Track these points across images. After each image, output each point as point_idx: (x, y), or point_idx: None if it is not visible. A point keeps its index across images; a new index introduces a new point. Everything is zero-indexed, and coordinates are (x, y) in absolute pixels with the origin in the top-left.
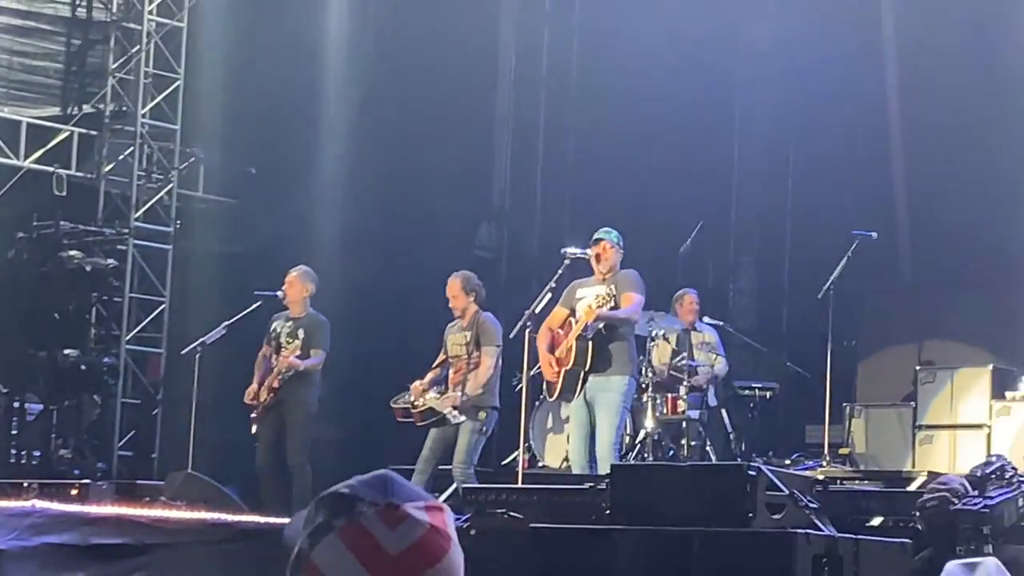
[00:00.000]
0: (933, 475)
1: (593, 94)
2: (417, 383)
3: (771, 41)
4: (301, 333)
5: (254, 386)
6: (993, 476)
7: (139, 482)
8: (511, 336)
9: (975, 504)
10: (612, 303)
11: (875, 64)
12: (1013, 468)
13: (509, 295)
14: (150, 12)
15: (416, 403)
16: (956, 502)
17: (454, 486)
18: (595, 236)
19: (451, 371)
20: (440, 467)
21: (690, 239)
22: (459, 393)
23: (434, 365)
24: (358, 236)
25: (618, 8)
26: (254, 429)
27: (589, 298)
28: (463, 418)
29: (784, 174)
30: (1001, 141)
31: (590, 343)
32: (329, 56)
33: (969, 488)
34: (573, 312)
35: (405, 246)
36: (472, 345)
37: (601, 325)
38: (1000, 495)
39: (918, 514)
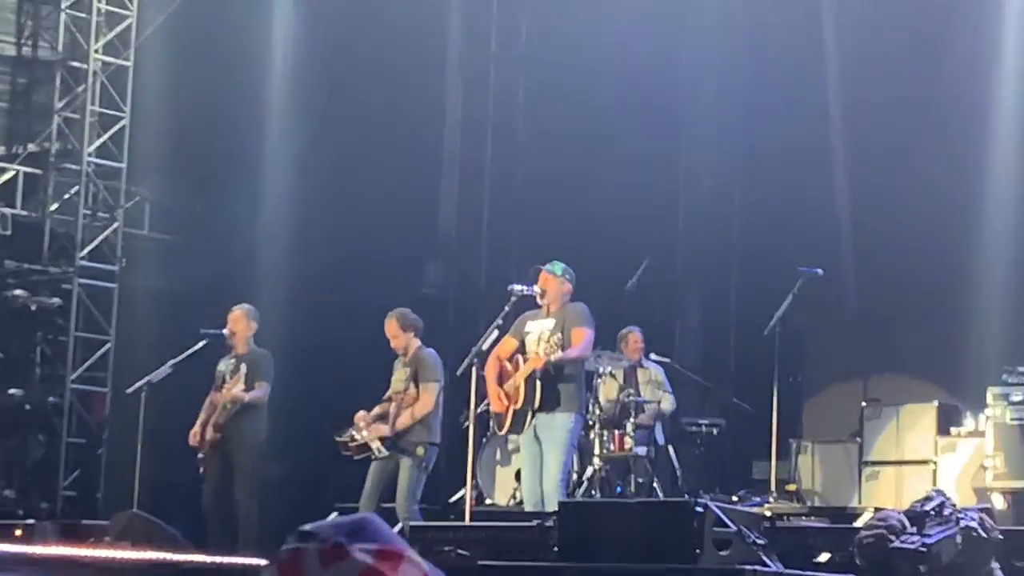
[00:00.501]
0: (879, 511)
1: (539, 132)
2: (362, 413)
3: (716, 81)
4: (244, 368)
5: (197, 427)
6: (932, 512)
7: (84, 522)
8: (458, 373)
9: (913, 542)
10: (559, 339)
11: (819, 101)
12: (952, 505)
13: (457, 333)
14: (96, 51)
15: (356, 436)
16: (894, 539)
17: (400, 524)
18: (533, 268)
19: (392, 406)
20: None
21: (636, 276)
22: (385, 427)
23: (383, 400)
24: (304, 273)
25: (564, 47)
26: (201, 468)
27: (536, 332)
28: (386, 452)
29: (730, 211)
30: (947, 176)
31: (538, 382)
32: (275, 95)
33: (907, 524)
34: (523, 343)
35: (352, 284)
36: (411, 380)
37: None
38: (939, 532)
39: (856, 550)
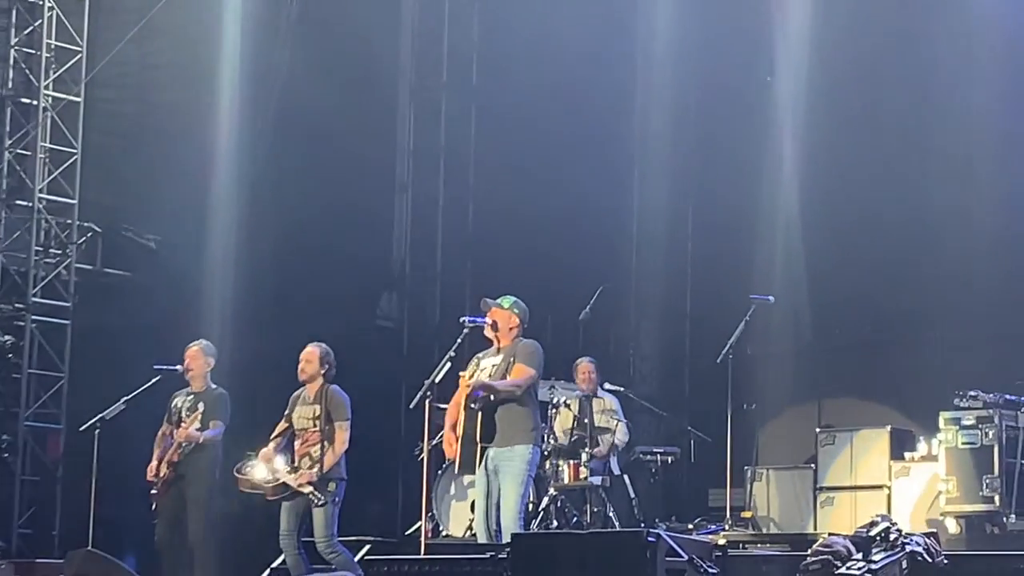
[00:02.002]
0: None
1: (491, 162)
2: (266, 449)
3: (668, 110)
4: (201, 406)
5: (154, 463)
6: (878, 538)
7: (39, 561)
8: (411, 406)
9: (859, 568)
10: (503, 375)
11: (771, 129)
12: (898, 530)
13: (410, 365)
14: (46, 87)
15: (267, 477)
16: (839, 565)
17: (296, 552)
18: (482, 301)
19: (297, 442)
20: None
21: (589, 306)
22: (314, 470)
23: (274, 435)
24: (258, 308)
25: (515, 77)
26: (154, 506)
27: (488, 370)
28: (323, 499)
29: (684, 239)
30: (898, 202)
31: (479, 414)
32: (226, 127)
33: (853, 550)
34: None
35: (306, 317)
36: (323, 419)
37: (491, 396)
38: (884, 558)
39: None
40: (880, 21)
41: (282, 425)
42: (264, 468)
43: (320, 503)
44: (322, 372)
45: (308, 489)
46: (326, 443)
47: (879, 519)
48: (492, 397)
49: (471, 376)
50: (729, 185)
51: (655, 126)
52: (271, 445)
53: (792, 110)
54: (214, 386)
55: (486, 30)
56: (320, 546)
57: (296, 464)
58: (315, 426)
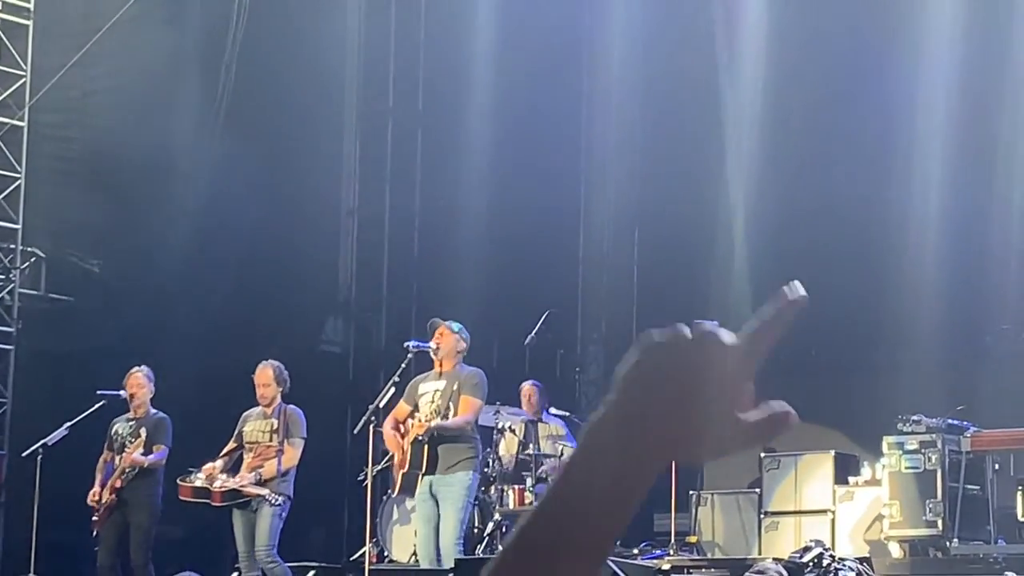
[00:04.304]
0: (781, 561)
1: (438, 185)
2: (210, 464)
3: (614, 135)
4: (143, 432)
5: (96, 488)
6: (811, 563)
7: None
8: (355, 431)
9: None
10: (448, 404)
11: (717, 153)
12: (832, 555)
13: (356, 389)
14: None
15: (215, 484)
16: None
17: (257, 572)
18: (431, 322)
19: (248, 456)
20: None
21: (535, 330)
22: (254, 474)
23: (223, 453)
24: (203, 332)
25: (462, 100)
26: (96, 532)
27: (429, 393)
28: (280, 498)
29: (629, 262)
30: (843, 225)
31: (425, 446)
32: (172, 151)
33: (785, 575)
34: (417, 407)
35: (251, 341)
36: (280, 434)
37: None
38: None
39: None
40: (832, 38)
41: (231, 445)
42: (216, 479)
43: (276, 502)
44: (280, 390)
45: (263, 491)
46: (281, 457)
47: (813, 544)
48: (438, 433)
49: (410, 401)
50: (674, 209)
51: (601, 150)
52: (218, 463)
53: (738, 132)
54: (154, 411)
55: (432, 54)
56: (260, 554)
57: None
58: (271, 440)
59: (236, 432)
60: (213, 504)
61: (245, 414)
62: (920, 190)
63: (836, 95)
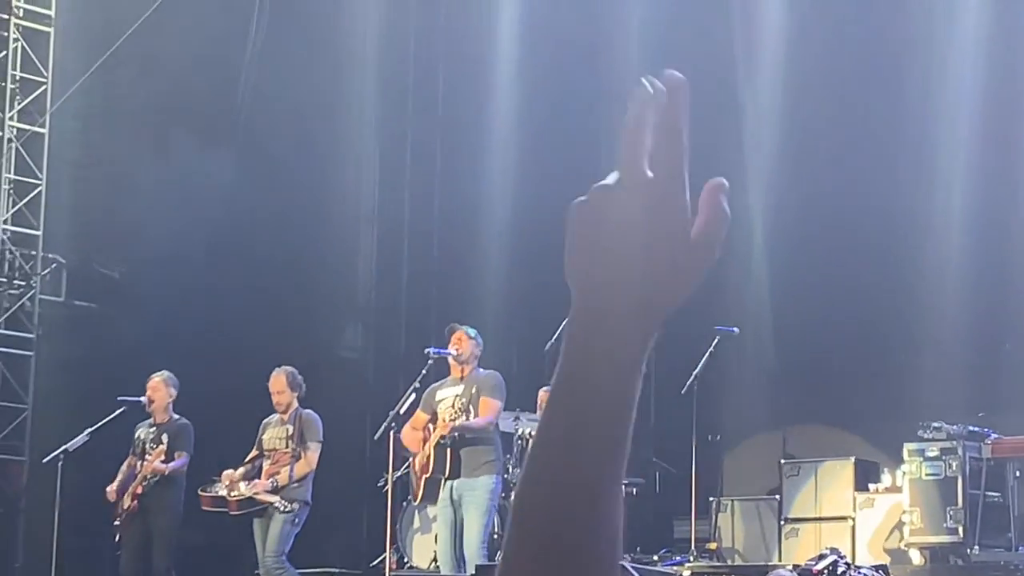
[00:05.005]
0: (797, 568)
1: (457, 192)
2: (230, 471)
3: None
4: (165, 438)
5: (114, 485)
6: (826, 571)
7: None
8: (376, 437)
9: None
10: (468, 406)
11: (735, 158)
12: (847, 563)
13: (375, 396)
14: (11, 118)
15: (231, 492)
16: None
17: None
18: (450, 326)
19: (266, 463)
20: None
21: (555, 336)
22: (268, 482)
23: (246, 460)
24: (223, 338)
25: (481, 101)
26: (118, 537)
27: (448, 399)
28: (290, 505)
29: None
30: (863, 230)
31: (448, 450)
32: (190, 157)
33: None
34: (435, 416)
35: (270, 347)
36: (296, 439)
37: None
38: None
39: None
40: (853, 40)
41: (253, 452)
42: (235, 487)
43: (286, 509)
44: (294, 396)
45: (274, 499)
46: (294, 462)
47: (828, 552)
48: (462, 434)
49: (427, 409)
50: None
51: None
52: (240, 470)
53: (758, 136)
54: (176, 417)
55: (452, 61)
56: (268, 560)
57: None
58: (286, 447)
59: (257, 439)
60: (230, 512)
61: (264, 421)
62: (942, 194)
63: (857, 97)
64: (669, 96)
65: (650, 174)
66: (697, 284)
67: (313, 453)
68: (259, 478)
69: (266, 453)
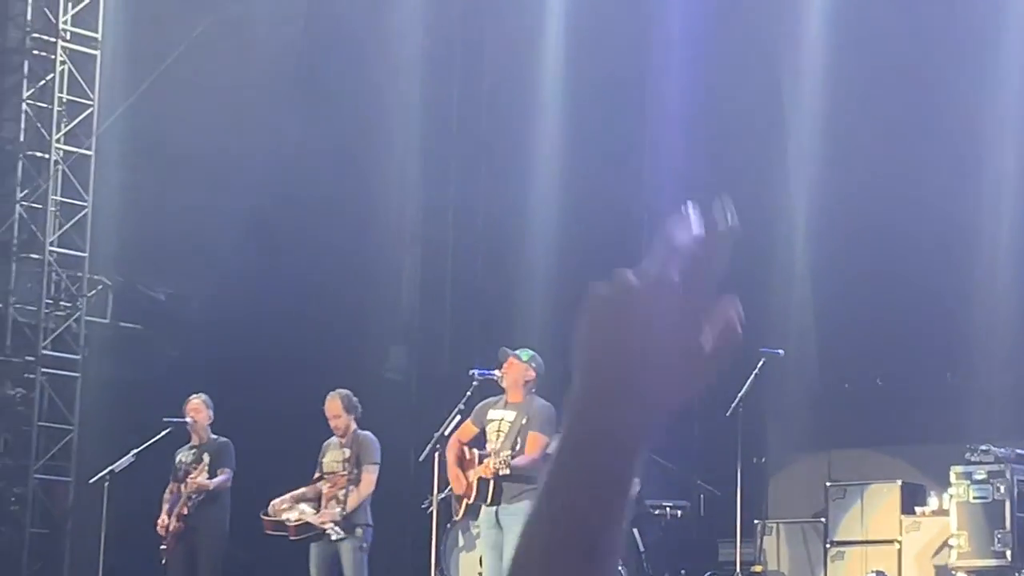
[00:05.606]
0: None
1: (501, 212)
2: (277, 500)
3: (678, 160)
4: (206, 457)
5: (164, 517)
6: None
7: None
8: (420, 459)
9: None
10: (516, 437)
11: (781, 178)
12: None
13: (419, 417)
14: (57, 140)
15: (290, 516)
16: None
17: None
18: (500, 351)
19: (325, 486)
20: None
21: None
22: (337, 509)
23: (311, 482)
24: (268, 360)
25: (526, 121)
26: (165, 560)
27: (497, 422)
28: (343, 533)
29: None
30: (908, 252)
31: (491, 481)
32: (233, 179)
33: None
34: (484, 432)
35: (314, 369)
36: (352, 462)
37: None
38: None
39: None
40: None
41: (316, 474)
42: (292, 510)
43: (339, 536)
44: (351, 419)
45: (330, 526)
46: (352, 486)
47: (873, 575)
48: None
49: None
50: (739, 238)
51: (663, 177)
52: (300, 491)
53: (801, 160)
54: (215, 436)
55: (496, 80)
56: None
57: (325, 507)
58: (344, 469)
59: (318, 462)
60: (290, 538)
61: (325, 443)
62: (991, 215)
63: (905, 107)
64: (715, 236)
65: (677, 280)
66: (698, 393)
67: (370, 475)
68: (320, 500)
69: (325, 476)
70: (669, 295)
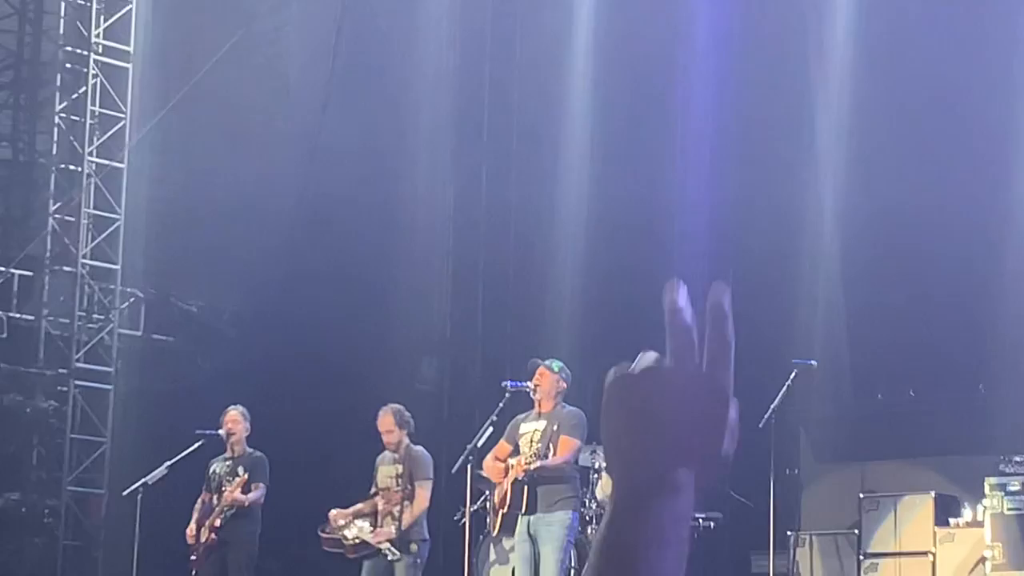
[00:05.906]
0: None
1: (532, 224)
2: (335, 512)
3: (706, 170)
4: (241, 470)
5: (192, 526)
6: None
7: None
8: (453, 471)
9: None
10: (548, 444)
11: (812, 189)
12: None
13: (451, 429)
14: (90, 153)
15: (347, 534)
16: None
17: None
18: (531, 362)
19: (380, 502)
20: None
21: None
22: (393, 528)
23: (370, 496)
24: (300, 372)
25: (556, 134)
26: (194, 572)
27: (528, 433)
28: (399, 554)
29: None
30: (940, 260)
31: (525, 487)
32: (267, 191)
33: None
34: (517, 447)
35: (346, 381)
36: (405, 478)
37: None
38: None
39: None
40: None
41: (372, 489)
42: (350, 527)
43: (395, 557)
44: (404, 433)
45: (385, 545)
46: (407, 502)
47: None
48: (537, 474)
49: (511, 440)
50: (770, 248)
51: (692, 189)
52: (359, 506)
53: (832, 170)
54: (251, 450)
55: (526, 93)
56: None
57: (380, 524)
58: (397, 485)
59: (373, 477)
60: (348, 556)
61: (378, 458)
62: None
63: (935, 116)
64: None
65: (703, 367)
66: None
67: (424, 491)
68: (375, 515)
69: (380, 492)
70: (696, 378)
